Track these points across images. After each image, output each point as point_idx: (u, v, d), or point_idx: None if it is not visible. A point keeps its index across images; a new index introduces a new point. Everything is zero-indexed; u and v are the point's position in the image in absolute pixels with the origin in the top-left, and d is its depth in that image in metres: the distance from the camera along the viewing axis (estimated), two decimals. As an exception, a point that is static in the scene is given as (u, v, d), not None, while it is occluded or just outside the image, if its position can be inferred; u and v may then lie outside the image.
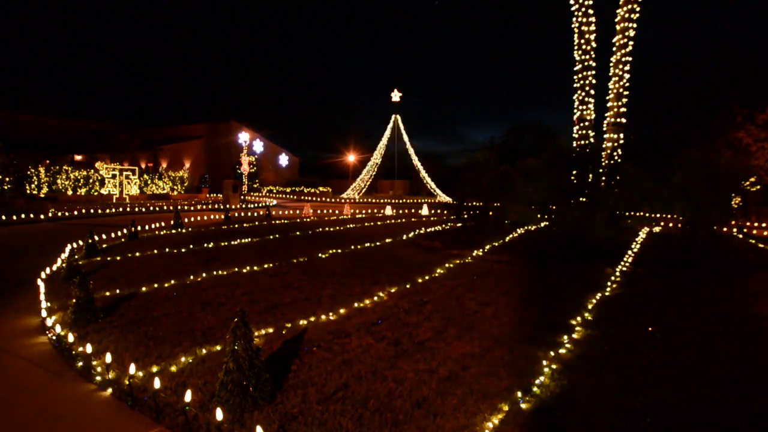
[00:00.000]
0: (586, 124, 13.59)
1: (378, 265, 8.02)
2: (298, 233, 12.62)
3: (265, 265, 7.76)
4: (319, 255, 8.94)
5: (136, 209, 19.65)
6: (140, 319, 4.83)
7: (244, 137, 29.16)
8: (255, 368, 3.00)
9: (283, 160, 48.24)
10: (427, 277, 7.11)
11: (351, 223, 16.31)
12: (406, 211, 23.44)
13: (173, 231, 12.59)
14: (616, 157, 13.40)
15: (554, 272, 7.84)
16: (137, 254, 8.72)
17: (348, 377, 3.49)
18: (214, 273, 7.10)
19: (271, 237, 11.67)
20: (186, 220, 15.11)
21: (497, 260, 8.68)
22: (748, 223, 16.21)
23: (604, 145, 13.58)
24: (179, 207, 20.16)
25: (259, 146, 38.25)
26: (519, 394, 3.20)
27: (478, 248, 9.50)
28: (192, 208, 21.46)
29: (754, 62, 26.97)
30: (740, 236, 13.05)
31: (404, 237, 11.98)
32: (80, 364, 3.65)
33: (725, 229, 13.69)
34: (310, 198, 35.16)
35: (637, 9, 13.10)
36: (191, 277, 6.82)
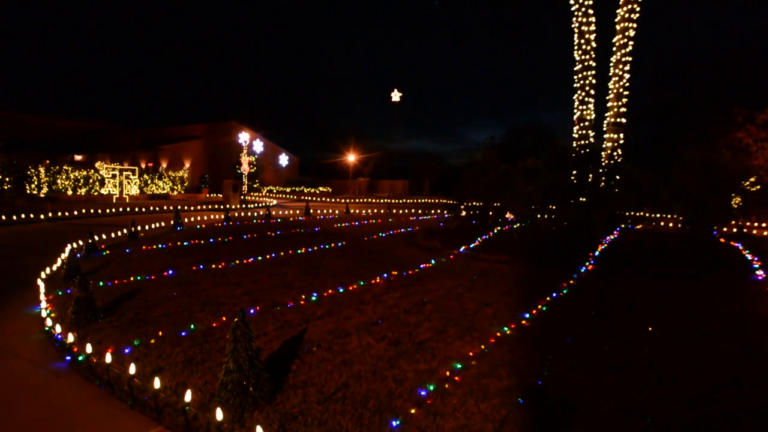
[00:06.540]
0: (586, 124, 13.58)
1: (378, 265, 8.02)
2: (298, 233, 12.62)
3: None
4: (319, 255, 8.93)
5: (136, 209, 19.64)
6: (140, 319, 4.83)
7: (244, 137, 29.15)
8: (255, 368, 3.00)
9: (283, 160, 48.19)
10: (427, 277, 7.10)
11: (351, 222, 16.31)
12: (405, 211, 23.42)
13: (173, 231, 12.58)
14: (616, 157, 13.39)
15: (554, 272, 7.83)
16: (137, 254, 8.72)
17: (348, 377, 3.49)
18: (214, 273, 7.09)
19: (272, 237, 11.67)
20: (186, 220, 15.10)
21: (497, 260, 8.68)
22: (748, 223, 16.21)
23: (604, 145, 13.58)
24: (179, 207, 20.17)
25: (259, 146, 38.26)
26: (519, 394, 3.20)
27: (478, 248, 9.49)
28: (192, 208, 21.44)
29: (754, 62, 26.96)
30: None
31: (404, 237, 11.97)
32: (80, 364, 3.65)
33: (725, 230, 13.68)
34: (310, 198, 35.12)
35: (637, 9, 13.09)
36: (191, 277, 6.82)
